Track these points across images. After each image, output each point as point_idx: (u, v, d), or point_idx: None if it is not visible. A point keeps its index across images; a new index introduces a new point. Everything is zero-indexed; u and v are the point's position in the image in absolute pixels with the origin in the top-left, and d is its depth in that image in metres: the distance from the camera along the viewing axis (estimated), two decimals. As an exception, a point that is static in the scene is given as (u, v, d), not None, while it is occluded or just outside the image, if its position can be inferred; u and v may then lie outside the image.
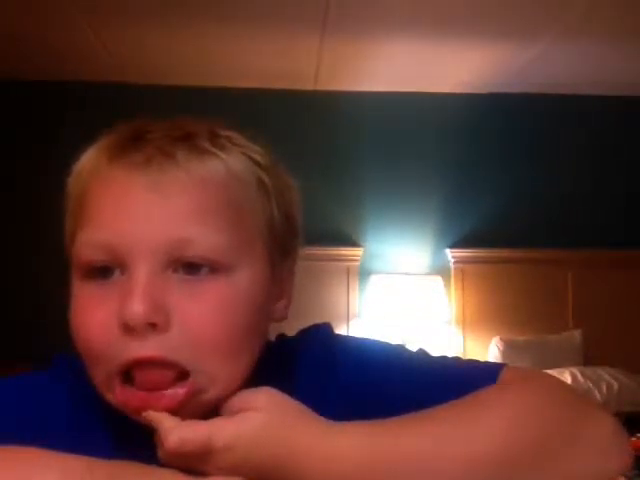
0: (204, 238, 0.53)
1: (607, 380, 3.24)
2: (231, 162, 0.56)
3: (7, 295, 3.68)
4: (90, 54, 3.45)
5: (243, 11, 2.99)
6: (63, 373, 0.60)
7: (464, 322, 3.75)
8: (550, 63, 3.57)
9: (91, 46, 3.35)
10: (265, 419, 0.51)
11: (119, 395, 0.53)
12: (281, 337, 0.65)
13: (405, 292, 3.53)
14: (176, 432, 0.49)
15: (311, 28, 3.14)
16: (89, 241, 0.54)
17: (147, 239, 0.52)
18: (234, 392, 0.54)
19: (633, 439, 2.81)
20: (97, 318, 0.53)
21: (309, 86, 3.89)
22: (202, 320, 0.52)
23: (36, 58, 3.53)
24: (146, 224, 0.52)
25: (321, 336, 0.64)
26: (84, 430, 0.58)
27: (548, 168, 3.99)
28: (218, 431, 0.50)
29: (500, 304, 3.76)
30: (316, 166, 3.67)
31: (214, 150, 0.56)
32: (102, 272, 0.54)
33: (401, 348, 0.65)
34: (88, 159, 0.58)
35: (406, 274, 3.69)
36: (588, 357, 3.64)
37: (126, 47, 3.40)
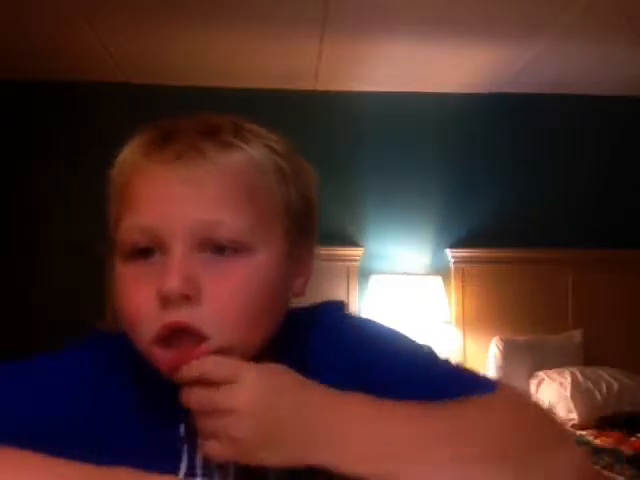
0: (230, 221, 0.59)
1: (607, 380, 3.24)
2: (253, 153, 0.62)
3: (6, 294, 3.69)
4: (90, 54, 3.45)
5: (243, 11, 2.99)
6: (94, 344, 0.68)
7: (464, 322, 3.75)
8: (550, 63, 3.57)
9: (91, 46, 3.35)
10: (286, 380, 0.59)
11: (157, 357, 0.59)
12: (291, 310, 0.69)
13: (405, 292, 3.53)
14: (213, 358, 0.58)
15: (311, 28, 3.14)
16: (133, 225, 0.60)
17: (182, 223, 0.59)
18: (252, 357, 0.60)
19: (633, 439, 2.81)
20: (140, 294, 0.59)
21: (309, 86, 3.89)
22: (227, 295, 0.59)
23: (36, 58, 3.52)
24: (181, 210, 0.59)
25: (333, 310, 0.70)
26: (111, 392, 0.64)
27: (548, 168, 4.00)
28: (247, 366, 0.58)
29: (500, 304, 3.76)
30: (316, 166, 3.65)
31: (238, 143, 0.62)
32: (143, 253, 0.60)
33: (409, 338, 0.69)
34: (127, 153, 0.64)
35: (406, 274, 3.69)
36: (588, 357, 3.64)
37: (126, 47, 3.39)
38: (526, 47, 3.37)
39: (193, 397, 0.58)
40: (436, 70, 3.69)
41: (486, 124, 3.98)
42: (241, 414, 0.56)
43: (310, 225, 0.68)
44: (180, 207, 0.59)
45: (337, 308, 0.71)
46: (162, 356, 0.59)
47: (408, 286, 3.56)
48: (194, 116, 0.65)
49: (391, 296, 3.54)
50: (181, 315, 0.58)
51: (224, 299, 0.59)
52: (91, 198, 3.78)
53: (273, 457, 0.56)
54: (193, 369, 0.58)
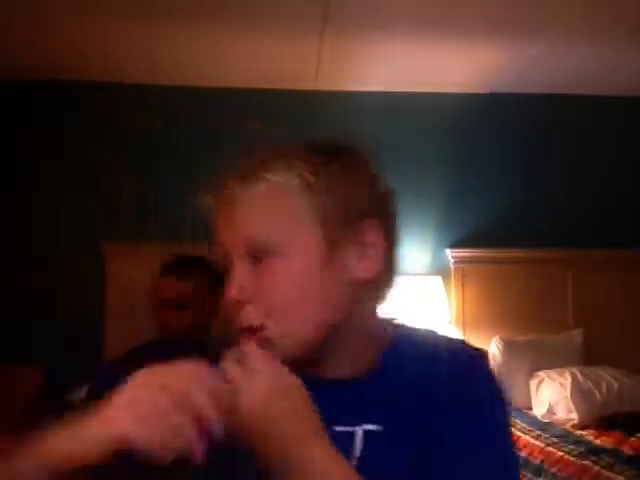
0: (259, 235, 0.76)
1: (607, 380, 3.24)
2: (275, 179, 0.77)
3: (7, 295, 3.69)
4: (89, 54, 3.45)
5: (243, 11, 2.99)
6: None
7: (464, 322, 3.75)
8: (550, 63, 3.56)
9: (90, 46, 3.35)
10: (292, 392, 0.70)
11: (241, 340, 0.76)
12: (430, 332, 0.87)
13: (405, 292, 3.53)
14: (255, 349, 0.72)
15: (311, 28, 3.14)
16: (215, 250, 0.81)
17: (230, 246, 0.78)
18: (312, 347, 0.76)
19: (633, 439, 2.81)
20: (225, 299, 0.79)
21: (309, 86, 3.89)
22: (266, 294, 0.76)
23: (36, 58, 3.52)
24: (231, 235, 0.78)
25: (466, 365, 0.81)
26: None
27: (548, 168, 4.00)
28: (269, 372, 0.69)
29: (500, 304, 3.76)
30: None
31: (262, 174, 0.77)
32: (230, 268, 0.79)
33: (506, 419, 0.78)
34: (206, 201, 0.83)
35: (406, 274, 3.68)
36: (588, 357, 3.64)
37: (124, 47, 3.39)
38: (526, 47, 3.37)
39: (231, 355, 0.70)
40: (436, 70, 3.69)
41: (486, 124, 3.98)
42: (240, 396, 0.66)
43: (353, 221, 0.77)
44: (228, 235, 0.78)
45: (476, 355, 0.83)
46: (242, 339, 0.76)
47: (408, 286, 3.56)
48: (242, 161, 0.82)
49: (391, 296, 3.52)
50: (242, 317, 0.77)
51: (266, 298, 0.76)
52: (92, 197, 3.79)
53: (250, 439, 0.67)
54: (247, 347, 0.73)
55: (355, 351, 0.79)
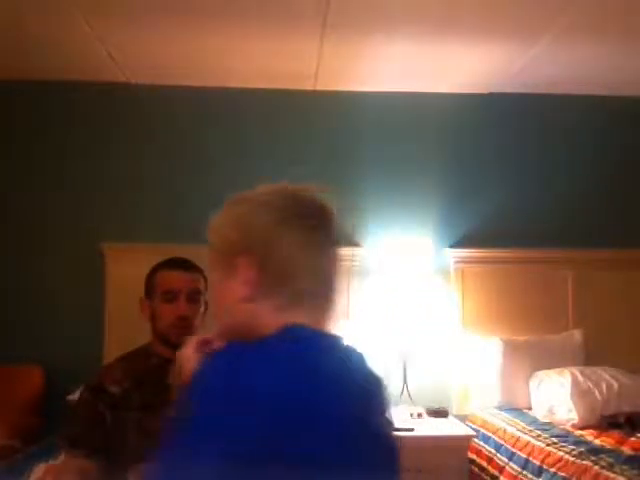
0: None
1: (607, 380, 3.24)
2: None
3: (7, 295, 3.69)
4: (90, 54, 3.45)
5: (243, 11, 2.99)
6: None
7: (464, 322, 3.75)
8: (550, 63, 3.57)
9: (91, 46, 3.35)
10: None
11: None
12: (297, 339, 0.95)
13: (405, 292, 3.53)
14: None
15: (311, 28, 3.14)
16: None
17: None
18: (237, 338, 0.98)
19: (633, 439, 2.81)
20: None
21: (309, 86, 3.89)
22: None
23: (36, 58, 3.52)
24: None
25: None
26: None
27: (548, 168, 4.00)
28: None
29: (500, 304, 3.76)
30: (316, 166, 3.67)
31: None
32: None
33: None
34: None
35: (406, 274, 3.68)
36: (588, 357, 3.64)
37: (126, 47, 3.39)
38: (526, 47, 3.37)
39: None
40: (436, 70, 3.69)
41: (486, 124, 3.98)
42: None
43: (228, 258, 0.99)
44: None
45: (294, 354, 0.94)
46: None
47: (408, 286, 3.56)
48: None
49: (391, 296, 3.53)
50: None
51: None
52: (91, 197, 3.78)
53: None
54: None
55: None
